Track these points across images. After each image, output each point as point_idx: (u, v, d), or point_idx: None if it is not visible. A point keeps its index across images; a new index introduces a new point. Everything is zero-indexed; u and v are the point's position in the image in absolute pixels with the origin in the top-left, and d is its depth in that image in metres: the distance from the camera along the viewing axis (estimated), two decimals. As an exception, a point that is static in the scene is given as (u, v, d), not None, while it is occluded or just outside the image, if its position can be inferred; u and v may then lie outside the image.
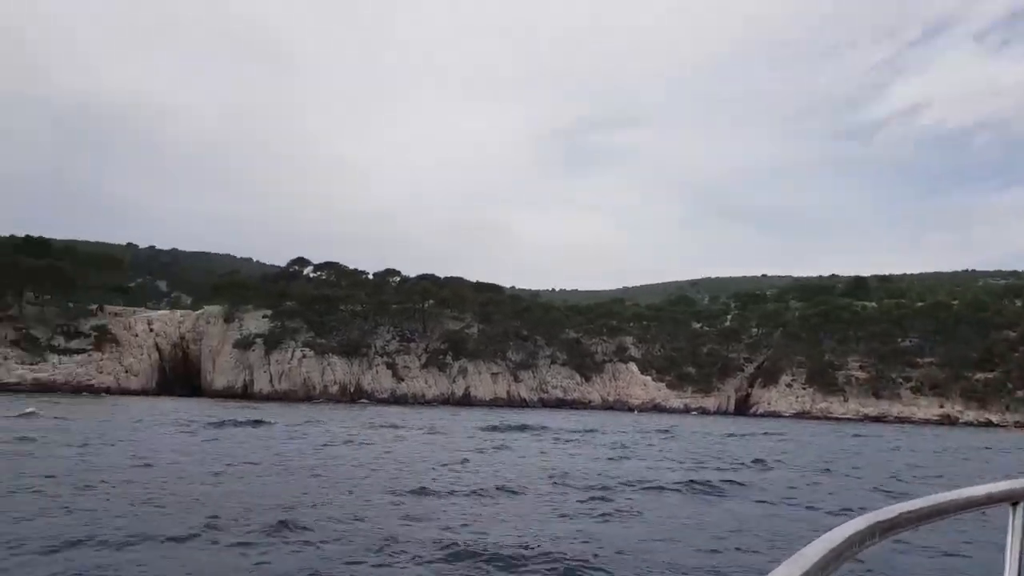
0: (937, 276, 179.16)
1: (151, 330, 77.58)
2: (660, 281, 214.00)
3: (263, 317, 77.88)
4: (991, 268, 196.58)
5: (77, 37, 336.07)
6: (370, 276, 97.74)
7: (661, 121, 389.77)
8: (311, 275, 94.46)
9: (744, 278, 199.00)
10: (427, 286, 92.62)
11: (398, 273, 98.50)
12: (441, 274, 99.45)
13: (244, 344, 74.53)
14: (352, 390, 75.92)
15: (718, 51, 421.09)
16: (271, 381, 73.61)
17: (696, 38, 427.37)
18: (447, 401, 79.90)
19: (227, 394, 71.47)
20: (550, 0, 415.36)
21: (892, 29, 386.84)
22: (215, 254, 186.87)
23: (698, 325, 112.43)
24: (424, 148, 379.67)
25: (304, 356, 75.36)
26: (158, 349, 76.45)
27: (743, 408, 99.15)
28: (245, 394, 71.84)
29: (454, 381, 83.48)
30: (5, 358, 65.60)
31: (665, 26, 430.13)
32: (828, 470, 23.55)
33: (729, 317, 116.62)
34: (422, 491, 15.28)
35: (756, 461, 25.11)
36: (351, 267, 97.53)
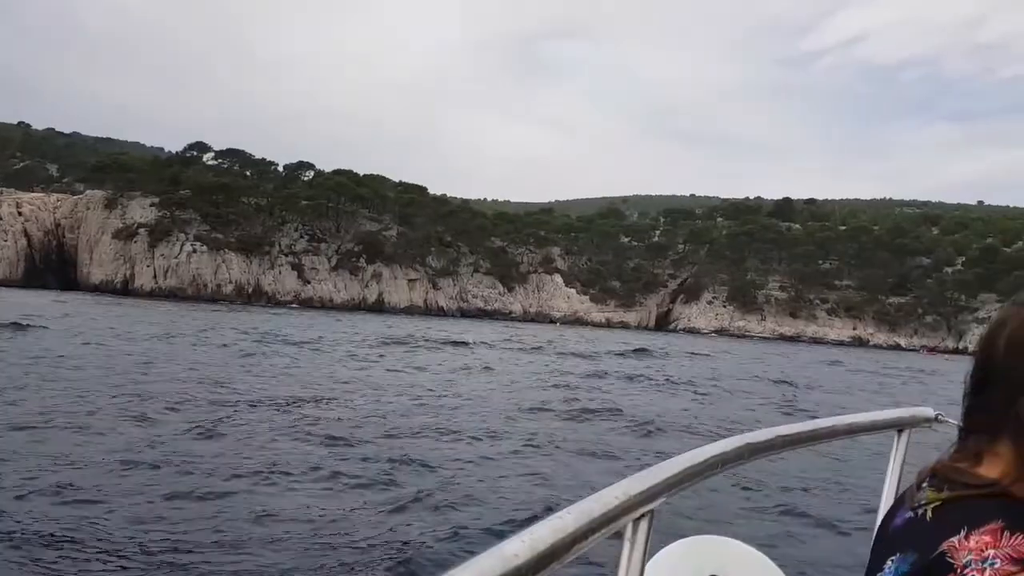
0: (858, 203, 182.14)
1: (19, 214, 68.40)
2: (591, 196, 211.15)
3: (150, 205, 69.54)
4: (907, 198, 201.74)
5: None
6: (280, 168, 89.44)
7: (612, 34, 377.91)
8: (211, 162, 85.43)
9: (674, 196, 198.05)
10: (343, 182, 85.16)
11: (312, 167, 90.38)
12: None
13: (126, 234, 66.50)
14: (250, 291, 69.37)
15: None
16: (155, 277, 66.21)
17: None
18: (358, 307, 74.45)
19: (105, 289, 63.96)
20: None
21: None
22: (122, 141, 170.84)
23: (626, 239, 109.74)
24: (366, 50, 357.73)
25: (195, 251, 67.89)
26: (27, 235, 67.59)
27: (663, 323, 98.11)
28: (125, 290, 64.40)
29: (366, 286, 77.87)
30: None
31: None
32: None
33: (657, 232, 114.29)
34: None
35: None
36: (259, 156, 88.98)
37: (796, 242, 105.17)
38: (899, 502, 0.92)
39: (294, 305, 68.77)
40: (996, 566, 0.72)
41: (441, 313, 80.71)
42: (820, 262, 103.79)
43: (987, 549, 0.74)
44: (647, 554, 0.99)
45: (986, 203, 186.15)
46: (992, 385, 0.86)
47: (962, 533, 0.77)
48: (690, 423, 14.09)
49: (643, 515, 0.98)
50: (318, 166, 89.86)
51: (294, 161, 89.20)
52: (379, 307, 75.95)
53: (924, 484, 0.88)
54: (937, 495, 0.84)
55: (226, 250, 70.03)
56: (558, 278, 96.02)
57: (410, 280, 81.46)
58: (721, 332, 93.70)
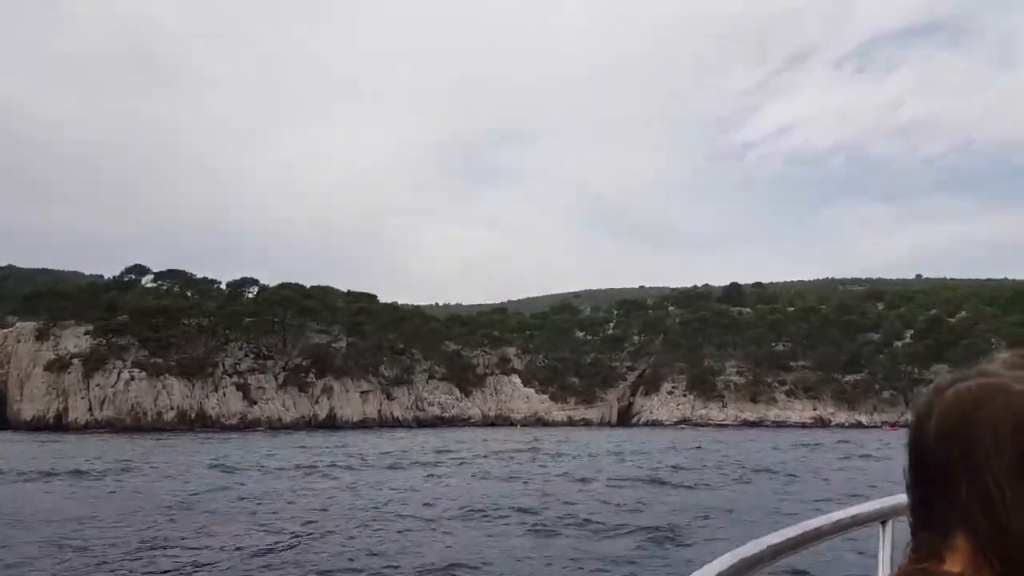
0: (803, 284, 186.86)
1: (-57, 352, 64.58)
2: (543, 294, 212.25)
3: (85, 334, 66.48)
4: (849, 276, 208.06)
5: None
6: (223, 286, 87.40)
7: (553, 136, 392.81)
8: (150, 285, 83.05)
9: (624, 289, 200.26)
10: (289, 295, 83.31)
11: (256, 282, 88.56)
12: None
13: (58, 365, 63.07)
14: (193, 416, 65.78)
15: (614, 63, 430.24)
16: (90, 409, 62.38)
17: (589, 51, 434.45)
18: (308, 424, 71.17)
19: (37, 425, 59.89)
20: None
21: (761, 56, 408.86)
22: (60, 271, 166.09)
23: (581, 334, 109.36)
24: (311, 162, 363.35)
25: (133, 378, 64.47)
26: (-49, 374, 63.59)
27: (625, 418, 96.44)
28: (58, 425, 60.34)
29: (316, 402, 74.82)
30: None
31: (562, 40, 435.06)
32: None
33: (611, 325, 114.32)
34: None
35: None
36: (200, 276, 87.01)
37: (748, 325, 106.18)
38: None
39: (235, 428, 65.36)
40: None
41: (396, 424, 77.77)
42: (773, 344, 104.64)
43: None
44: None
45: (924, 276, 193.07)
46: (931, 479, 0.83)
47: None
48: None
49: None
50: (262, 281, 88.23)
51: (237, 278, 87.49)
52: (331, 423, 72.79)
53: None
54: None
55: (167, 375, 66.90)
56: (516, 379, 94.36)
57: (362, 392, 78.76)
58: (684, 422, 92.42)
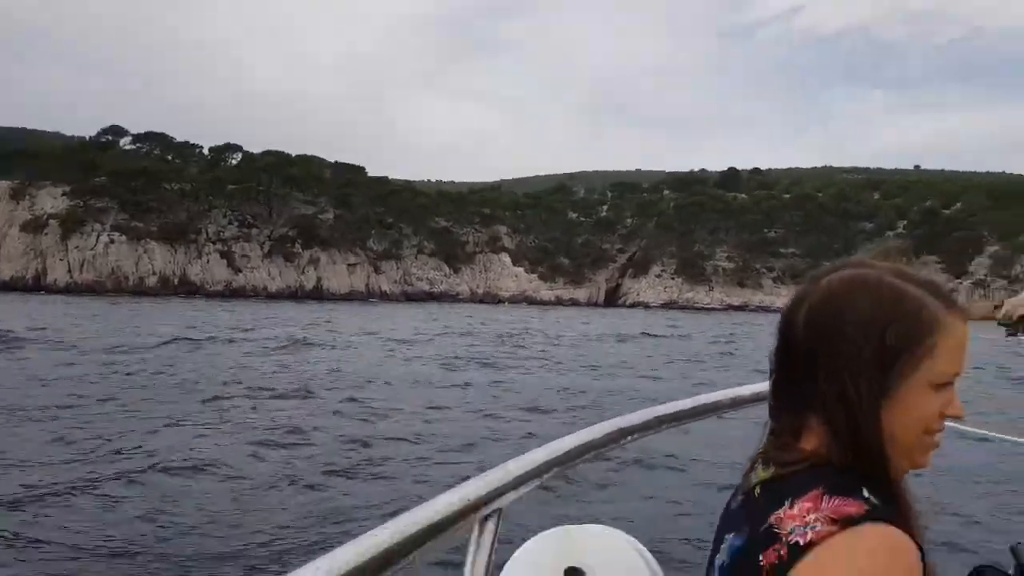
0: (801, 171, 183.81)
1: (-86, 209, 62.70)
2: (538, 174, 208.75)
3: (62, 195, 64.42)
4: (848, 164, 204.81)
5: None
6: (205, 151, 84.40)
7: (556, 9, 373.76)
8: (129, 147, 79.94)
9: (619, 172, 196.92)
10: (274, 162, 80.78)
11: (239, 148, 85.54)
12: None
13: (35, 226, 61.44)
14: (176, 282, 64.97)
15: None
16: (69, 271, 61.36)
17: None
18: (294, 295, 70.68)
19: (16, 286, 59.05)
20: None
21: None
22: (40, 131, 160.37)
23: (574, 215, 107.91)
24: (305, 27, 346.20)
25: (113, 242, 63.12)
26: (-76, 232, 62.01)
27: (612, 299, 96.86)
28: (37, 287, 59.50)
29: (303, 272, 74.05)
30: None
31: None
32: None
33: (605, 207, 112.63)
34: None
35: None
36: (181, 140, 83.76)
37: (743, 211, 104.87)
38: (737, 488, 0.96)
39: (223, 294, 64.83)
40: (817, 528, 0.76)
41: (384, 298, 77.57)
42: (766, 231, 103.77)
43: (809, 514, 0.78)
44: (492, 554, 0.96)
45: (922, 167, 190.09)
46: (795, 363, 0.88)
47: (787, 504, 0.81)
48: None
49: (490, 514, 0.95)
50: (247, 148, 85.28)
51: (220, 143, 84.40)
52: (317, 294, 72.38)
53: (755, 465, 0.91)
54: (765, 473, 0.88)
55: (148, 240, 65.54)
56: (505, 257, 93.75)
57: (350, 265, 77.96)
58: (670, 305, 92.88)
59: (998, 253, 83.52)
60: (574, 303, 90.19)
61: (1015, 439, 2.44)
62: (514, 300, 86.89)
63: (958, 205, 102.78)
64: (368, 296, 76.50)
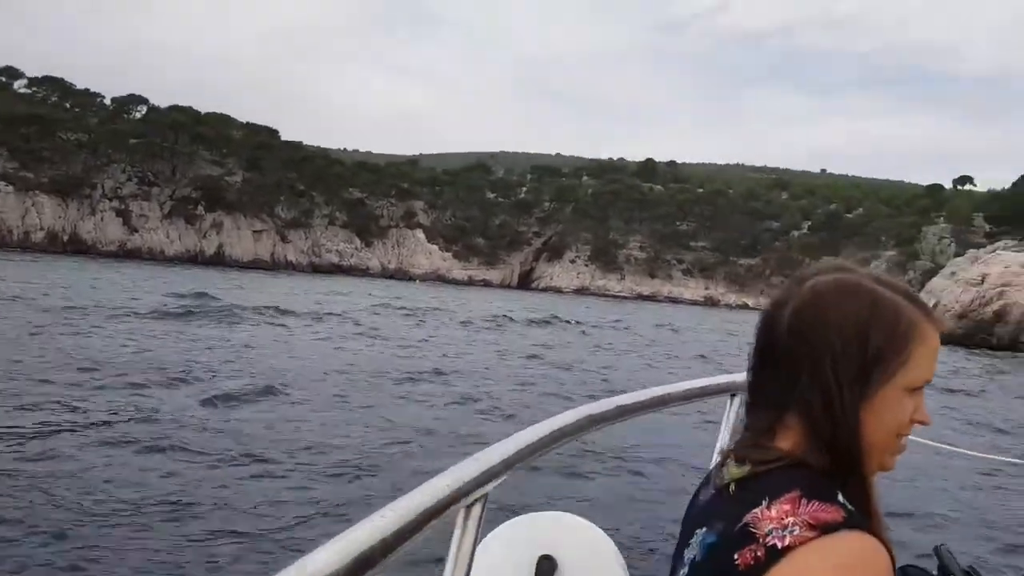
0: (714, 167, 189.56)
1: None
2: (458, 151, 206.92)
3: (-62, 137, 59.52)
4: (759, 163, 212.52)
5: None
6: (107, 101, 79.54)
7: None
8: (23, 91, 74.46)
9: (541, 155, 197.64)
10: (180, 119, 76.91)
11: (145, 101, 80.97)
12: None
13: (-96, 170, 56.63)
14: (66, 239, 61.20)
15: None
16: (-57, 222, 56.98)
17: None
18: (194, 260, 67.78)
19: None
20: None
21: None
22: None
23: (492, 195, 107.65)
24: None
25: (-4, 191, 58.91)
26: None
27: (526, 282, 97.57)
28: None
29: (204, 237, 71.07)
30: None
31: None
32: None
33: (524, 189, 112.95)
34: None
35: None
36: (82, 87, 78.61)
37: (658, 203, 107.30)
38: (705, 481, 0.96)
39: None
40: (795, 533, 0.76)
41: (290, 268, 75.50)
42: (678, 224, 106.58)
43: (787, 517, 0.78)
44: (478, 540, 0.97)
45: (828, 171, 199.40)
46: (775, 362, 0.89)
47: (764, 504, 0.81)
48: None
49: (476, 500, 0.95)
50: (153, 102, 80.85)
51: (124, 94, 79.70)
52: (219, 260, 69.66)
53: (728, 461, 0.91)
54: (740, 470, 0.88)
55: (37, 192, 61.37)
56: (420, 233, 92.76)
57: (255, 231, 75.37)
58: (581, 291, 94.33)
59: (894, 258, 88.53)
60: (487, 284, 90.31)
61: (937, 445, 2.64)
62: (426, 278, 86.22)
63: (860, 210, 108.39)
64: (273, 266, 74.27)
